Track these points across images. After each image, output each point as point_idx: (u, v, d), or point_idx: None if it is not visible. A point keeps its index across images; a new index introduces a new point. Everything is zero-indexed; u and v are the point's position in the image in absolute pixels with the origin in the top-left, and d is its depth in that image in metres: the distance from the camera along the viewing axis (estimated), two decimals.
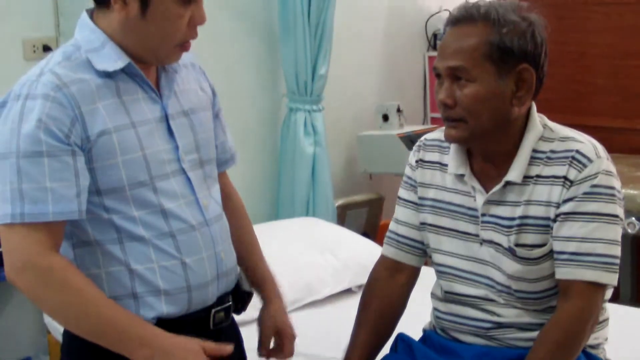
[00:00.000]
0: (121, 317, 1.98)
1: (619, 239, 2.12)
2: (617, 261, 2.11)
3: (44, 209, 1.90)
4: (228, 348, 2.06)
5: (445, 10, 5.45)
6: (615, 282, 2.12)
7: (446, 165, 2.26)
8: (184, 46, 2.06)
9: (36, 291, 1.96)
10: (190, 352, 1.99)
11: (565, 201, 2.10)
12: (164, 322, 2.04)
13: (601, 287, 2.10)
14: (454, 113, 2.11)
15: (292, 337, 2.36)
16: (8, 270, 1.95)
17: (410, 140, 4.73)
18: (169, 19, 1.99)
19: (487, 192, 2.18)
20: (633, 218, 3.91)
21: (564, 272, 2.10)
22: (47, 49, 3.89)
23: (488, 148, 2.17)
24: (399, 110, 5.02)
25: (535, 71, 2.10)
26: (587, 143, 2.13)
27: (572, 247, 2.08)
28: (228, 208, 2.29)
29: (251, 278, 2.35)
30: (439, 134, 2.31)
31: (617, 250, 2.11)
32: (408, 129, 4.97)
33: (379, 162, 4.89)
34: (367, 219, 5.00)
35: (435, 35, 5.52)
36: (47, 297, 1.97)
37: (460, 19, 2.13)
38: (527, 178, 2.14)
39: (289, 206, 4.70)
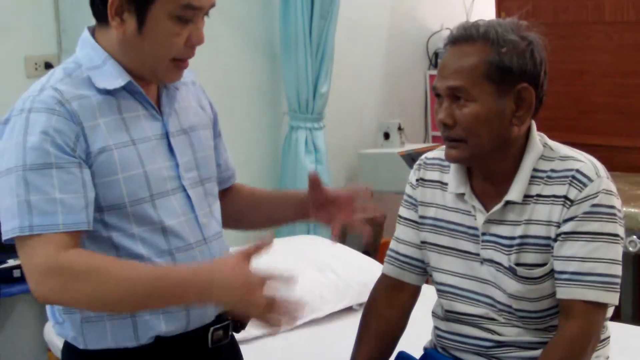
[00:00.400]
0: (157, 270, 1.95)
1: (620, 259, 2.12)
2: (618, 280, 2.11)
3: (54, 220, 1.89)
4: (269, 239, 1.98)
5: (447, 29, 5.46)
6: (616, 302, 2.11)
7: (446, 184, 2.26)
8: (180, 64, 2.05)
9: (69, 291, 1.89)
10: (230, 268, 1.92)
11: (566, 221, 2.09)
12: (162, 341, 2.03)
13: (602, 306, 2.10)
14: (453, 133, 2.12)
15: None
16: (33, 288, 1.90)
17: (411, 158, 4.73)
18: (165, 37, 1.99)
19: (487, 211, 2.18)
20: (634, 236, 3.91)
21: (565, 292, 2.10)
22: (49, 66, 3.91)
23: (488, 167, 2.17)
24: (400, 129, 5.03)
25: (534, 90, 2.10)
26: (587, 162, 2.13)
27: (572, 266, 2.08)
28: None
29: (283, 202, 2.42)
30: (439, 152, 2.31)
31: (617, 270, 2.10)
32: (409, 147, 4.98)
33: (380, 180, 4.88)
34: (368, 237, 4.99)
35: (436, 54, 5.54)
36: (82, 291, 1.89)
37: (460, 39, 2.14)
38: (527, 197, 2.13)
39: (290, 224, 4.69)
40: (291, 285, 1.96)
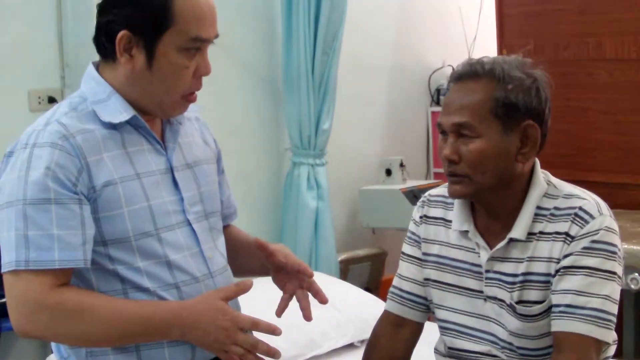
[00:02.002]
0: (142, 310, 1.96)
1: (616, 297, 2.09)
2: (612, 318, 2.08)
3: (50, 256, 1.89)
4: (248, 283, 2.05)
5: (449, 65, 5.49)
6: (608, 340, 2.08)
7: (450, 221, 2.26)
8: (189, 98, 2.07)
9: (55, 329, 1.93)
10: (216, 312, 1.97)
11: (566, 256, 2.09)
12: None
13: (594, 342, 2.05)
14: (458, 169, 2.12)
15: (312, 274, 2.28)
16: (17, 321, 1.92)
17: (413, 195, 4.73)
18: (175, 71, 2.01)
19: (491, 248, 2.18)
20: (636, 274, 3.89)
21: (557, 324, 2.08)
22: (52, 100, 3.92)
23: (492, 204, 2.17)
24: (402, 165, 5.03)
25: (539, 127, 2.11)
26: (590, 200, 2.13)
27: (567, 299, 2.06)
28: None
29: (244, 251, 2.37)
30: (443, 189, 2.31)
31: (612, 308, 2.07)
32: (411, 183, 4.98)
33: (381, 217, 4.88)
34: (370, 273, 4.99)
35: (438, 90, 5.56)
36: (68, 329, 1.93)
37: (465, 75, 2.14)
38: (530, 235, 2.13)
39: None
40: (276, 334, 2.00)
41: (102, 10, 2.04)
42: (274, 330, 1.99)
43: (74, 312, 1.91)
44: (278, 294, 2.26)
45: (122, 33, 1.98)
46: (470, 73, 2.13)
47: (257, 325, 2.00)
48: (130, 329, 1.94)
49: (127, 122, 2.04)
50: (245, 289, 2.04)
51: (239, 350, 1.97)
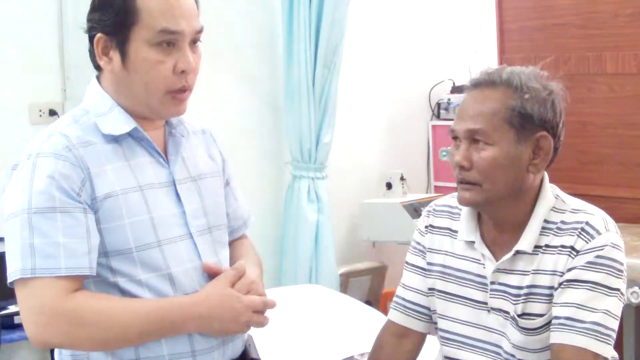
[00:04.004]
0: (157, 309, 1.98)
1: (618, 314, 2.08)
2: (612, 334, 2.06)
3: (56, 263, 1.89)
4: (241, 265, 2.15)
5: (449, 79, 5.51)
6: (607, 355, 2.06)
7: (456, 231, 2.26)
8: (176, 95, 2.05)
9: (74, 335, 1.91)
10: (230, 300, 2.04)
11: (569, 269, 2.08)
12: None
13: (594, 356, 2.04)
14: (469, 176, 2.11)
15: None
16: (34, 332, 1.90)
17: (413, 208, 4.74)
18: (149, 66, 2.00)
19: (497, 260, 2.17)
20: (636, 287, 3.89)
21: (556, 337, 2.06)
22: (53, 113, 3.93)
23: (500, 215, 2.16)
24: (402, 179, 5.04)
25: (552, 139, 2.12)
26: (597, 216, 2.12)
27: (567, 312, 2.05)
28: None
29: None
30: (449, 199, 2.32)
31: (613, 323, 2.06)
32: (411, 197, 4.99)
33: (382, 230, 4.88)
34: (370, 287, 4.99)
35: (439, 104, 5.57)
36: (87, 335, 1.92)
37: (482, 83, 2.14)
38: (536, 247, 2.13)
39: (291, 273, 4.69)
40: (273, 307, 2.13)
41: (87, 20, 2.07)
42: (274, 305, 2.13)
43: (91, 316, 1.91)
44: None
45: (97, 36, 2.01)
46: (488, 81, 2.14)
47: (267, 304, 2.11)
48: (146, 328, 1.96)
49: (129, 134, 2.04)
50: (242, 269, 2.13)
51: (258, 320, 2.09)
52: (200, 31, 2.06)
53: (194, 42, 2.06)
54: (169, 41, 2.00)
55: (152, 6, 1.98)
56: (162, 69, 2.01)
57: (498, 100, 2.10)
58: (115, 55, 2.01)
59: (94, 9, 2.04)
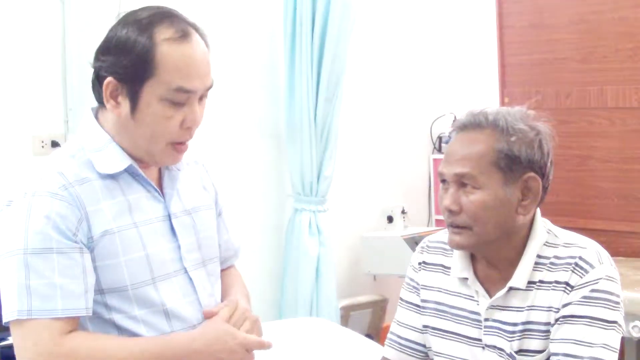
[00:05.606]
0: (153, 347, 1.97)
1: (616, 346, 2.06)
2: None
3: (53, 305, 1.89)
4: (233, 300, 2.19)
5: (451, 113, 5.52)
6: None
7: (449, 268, 2.25)
8: (177, 147, 2.05)
9: None
10: (225, 336, 2.05)
11: (564, 305, 2.07)
12: None
13: None
14: (459, 219, 2.11)
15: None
16: None
17: (414, 242, 4.73)
18: (157, 120, 1.98)
19: (490, 296, 2.16)
20: (637, 322, 3.88)
21: None
22: (55, 144, 3.94)
23: (492, 254, 2.15)
24: (403, 212, 5.05)
25: (541, 180, 2.11)
26: (590, 249, 2.11)
27: (565, 348, 2.03)
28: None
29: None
30: (442, 235, 2.31)
31: (612, 357, 2.04)
32: (412, 230, 4.98)
33: (383, 264, 4.88)
34: (371, 320, 4.98)
35: (440, 138, 5.58)
36: None
37: (468, 125, 2.14)
38: (530, 283, 2.11)
39: (292, 306, 4.68)
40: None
41: (95, 57, 2.03)
42: (270, 346, 2.14)
43: (87, 357, 1.90)
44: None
45: (108, 80, 1.98)
46: (474, 123, 2.13)
47: (262, 345, 2.12)
48: None
49: (125, 170, 2.04)
50: (233, 304, 2.15)
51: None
52: (210, 87, 2.04)
53: (203, 97, 2.05)
54: (181, 99, 1.98)
55: (170, 62, 1.95)
56: (170, 125, 1.99)
57: (484, 143, 2.09)
58: (124, 102, 1.99)
59: (107, 51, 1.99)
